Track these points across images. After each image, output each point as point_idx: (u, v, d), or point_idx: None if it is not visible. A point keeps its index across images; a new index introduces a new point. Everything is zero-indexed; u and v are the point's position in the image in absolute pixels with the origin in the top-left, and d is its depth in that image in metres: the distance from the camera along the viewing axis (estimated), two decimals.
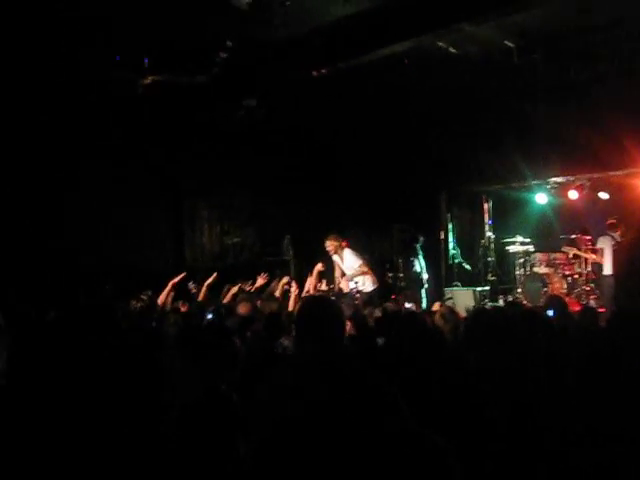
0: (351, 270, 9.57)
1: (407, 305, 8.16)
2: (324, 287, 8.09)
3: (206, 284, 8.05)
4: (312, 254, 8.79)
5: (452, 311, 5.57)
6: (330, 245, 9.70)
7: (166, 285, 7.28)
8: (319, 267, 8.04)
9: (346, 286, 9.39)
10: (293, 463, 2.34)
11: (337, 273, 9.92)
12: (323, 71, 9.38)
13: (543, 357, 2.68)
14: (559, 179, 12.12)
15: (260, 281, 8.69)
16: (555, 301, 5.21)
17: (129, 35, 8.43)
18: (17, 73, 8.53)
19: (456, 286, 12.63)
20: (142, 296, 6.59)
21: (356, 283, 9.31)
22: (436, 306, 7.13)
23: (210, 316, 5.87)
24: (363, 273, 9.59)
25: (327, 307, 2.93)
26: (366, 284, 9.52)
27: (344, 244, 9.72)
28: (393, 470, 1.67)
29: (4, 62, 8.21)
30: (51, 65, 8.65)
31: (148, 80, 9.15)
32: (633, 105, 8.92)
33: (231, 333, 3.68)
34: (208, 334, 3.70)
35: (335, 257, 9.75)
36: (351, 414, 2.27)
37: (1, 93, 8.53)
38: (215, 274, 8.24)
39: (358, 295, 8.90)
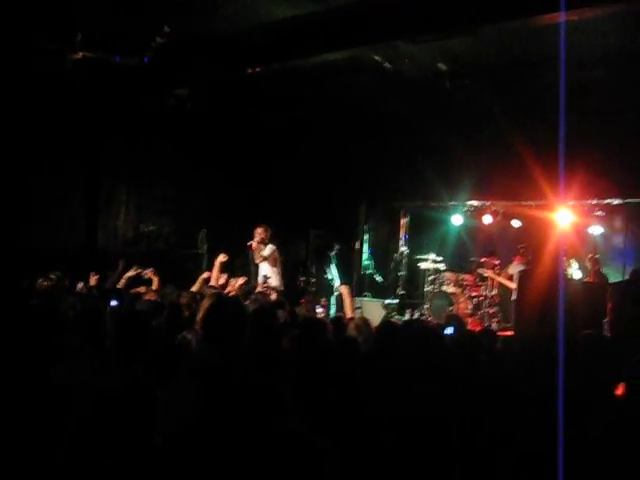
0: (265, 264, 9.61)
1: (318, 310, 8.23)
2: (222, 280, 7.98)
3: (126, 275, 7.95)
4: (226, 249, 8.75)
5: (366, 322, 5.66)
6: (261, 233, 9.67)
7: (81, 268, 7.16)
8: (221, 258, 7.96)
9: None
10: (190, 462, 2.38)
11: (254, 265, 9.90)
12: (258, 70, 9.38)
13: (433, 372, 2.80)
14: (475, 203, 12.49)
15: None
16: (454, 320, 5.38)
17: (63, 7, 8.23)
18: None
19: (366, 296, 12.84)
20: (51, 275, 6.44)
21: (268, 278, 9.33)
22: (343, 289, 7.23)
23: (114, 302, 5.79)
24: (276, 273, 9.65)
25: (231, 309, 2.98)
26: (275, 282, 9.56)
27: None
28: (277, 468, 1.75)
29: None
30: None
31: (79, 55, 8.92)
32: (544, 142, 9.31)
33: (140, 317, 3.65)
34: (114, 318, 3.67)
35: (255, 245, 9.71)
36: (240, 414, 2.31)
37: None
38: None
39: (269, 292, 8.90)
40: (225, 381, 2.51)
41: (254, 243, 9.70)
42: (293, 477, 1.77)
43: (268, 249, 9.73)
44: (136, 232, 11.90)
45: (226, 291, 7.51)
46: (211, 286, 7.46)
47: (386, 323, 4.89)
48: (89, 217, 11.21)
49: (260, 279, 9.37)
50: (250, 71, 9.42)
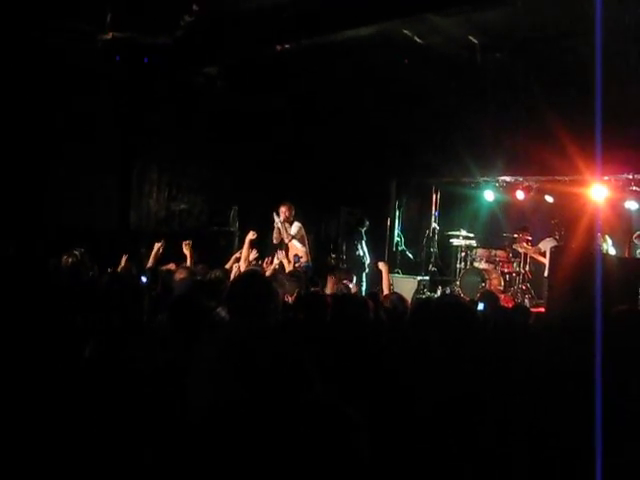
0: (295, 242, 9.59)
1: (349, 285, 8.19)
2: (253, 256, 7.98)
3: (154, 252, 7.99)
4: (258, 227, 8.76)
5: (401, 298, 5.66)
6: (286, 211, 9.64)
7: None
8: (250, 236, 7.96)
9: (285, 259, 9.36)
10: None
11: (276, 240, 9.87)
12: (287, 46, 9.33)
13: (467, 347, 2.80)
14: (507, 178, 12.36)
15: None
16: (487, 296, 5.34)
17: None
18: None
19: (397, 273, 12.80)
20: (75, 252, 6.49)
21: (300, 258, 9.31)
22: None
23: (144, 279, 5.83)
24: (305, 252, 9.64)
25: (258, 283, 2.99)
26: (304, 260, 9.55)
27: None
28: (306, 438, 1.76)
29: None
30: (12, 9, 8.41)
31: (109, 36, 8.97)
32: (579, 115, 9.15)
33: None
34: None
35: (280, 225, 9.68)
36: (268, 386, 2.33)
37: None
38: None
39: (304, 271, 8.89)
40: (251, 354, 2.53)
41: (278, 224, 9.65)
42: (323, 447, 1.78)
43: (295, 227, 9.69)
44: (168, 211, 11.98)
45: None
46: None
47: (421, 300, 4.89)
48: (122, 196, 11.32)
49: (293, 259, 9.31)
50: (279, 48, 9.39)
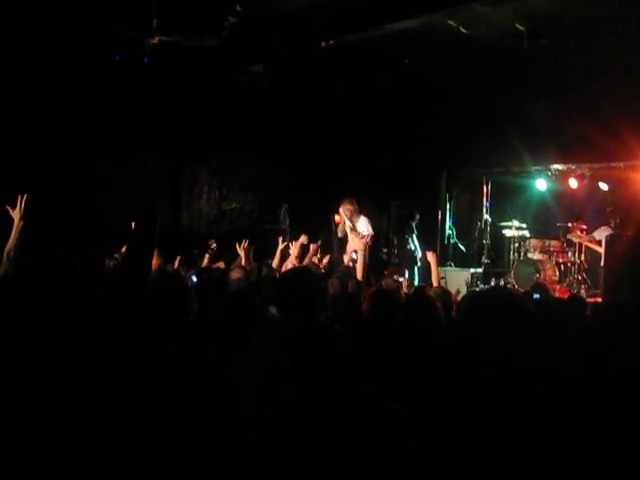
0: (358, 238, 9.56)
1: (400, 279, 8.16)
2: (312, 259, 8.01)
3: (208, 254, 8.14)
4: (308, 225, 8.81)
5: (446, 292, 5.63)
6: (347, 210, 9.64)
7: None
8: (302, 239, 7.99)
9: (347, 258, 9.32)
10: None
11: (340, 234, 9.86)
12: (331, 42, 9.33)
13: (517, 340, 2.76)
14: (560, 166, 12.15)
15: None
16: (540, 288, 5.26)
17: None
18: (29, 23, 8.48)
19: (449, 266, 12.70)
20: (115, 255, 6.59)
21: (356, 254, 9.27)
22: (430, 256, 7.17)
23: (194, 278, 5.90)
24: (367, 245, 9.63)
25: (304, 280, 3.01)
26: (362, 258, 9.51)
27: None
28: (357, 433, 1.78)
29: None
30: (59, 19, 8.60)
31: (155, 40, 9.09)
32: (634, 99, 8.93)
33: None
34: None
35: (347, 222, 9.67)
36: (321, 385, 2.34)
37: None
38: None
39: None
40: (304, 353, 2.55)
41: (339, 218, 9.67)
42: (373, 441, 1.80)
43: (363, 223, 9.65)
44: (219, 211, 12.12)
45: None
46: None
47: (470, 293, 4.84)
48: (173, 199, 11.48)
49: (352, 255, 9.24)
50: (324, 45, 9.39)
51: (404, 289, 7.01)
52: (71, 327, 2.92)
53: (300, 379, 2.45)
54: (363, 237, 9.52)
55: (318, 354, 2.48)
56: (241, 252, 8.02)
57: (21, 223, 4.71)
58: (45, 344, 2.84)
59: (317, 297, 3.03)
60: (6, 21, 8.33)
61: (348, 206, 9.68)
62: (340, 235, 9.90)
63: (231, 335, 3.50)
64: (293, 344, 2.65)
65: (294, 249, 7.92)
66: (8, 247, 4.54)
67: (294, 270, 3.83)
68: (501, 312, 2.79)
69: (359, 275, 6.31)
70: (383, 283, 6.98)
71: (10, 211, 4.83)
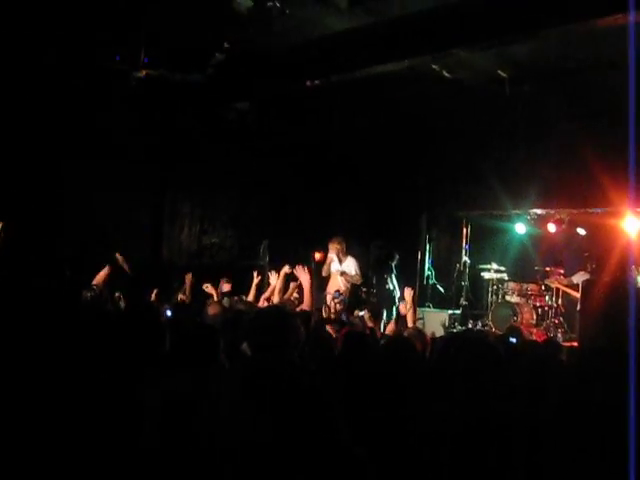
0: (340, 278, 9.59)
1: (361, 314, 8.08)
2: (294, 294, 7.98)
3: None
4: (288, 261, 8.81)
5: (420, 332, 5.64)
6: (334, 248, 9.67)
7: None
8: (285, 270, 7.97)
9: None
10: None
11: (324, 273, 9.88)
12: (317, 82, 9.45)
13: (488, 384, 2.77)
14: (539, 211, 12.28)
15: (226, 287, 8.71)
16: (515, 331, 5.29)
17: (127, 27, 8.47)
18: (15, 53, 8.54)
19: (428, 307, 12.73)
20: (93, 286, 6.56)
21: (340, 294, 9.25)
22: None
23: (169, 312, 5.87)
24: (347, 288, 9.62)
25: (277, 318, 3.02)
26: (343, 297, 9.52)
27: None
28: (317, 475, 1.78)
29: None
30: (50, 47, 8.66)
31: (142, 73, 9.16)
32: (613, 146, 9.09)
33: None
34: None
35: (334, 261, 9.70)
36: (288, 423, 2.34)
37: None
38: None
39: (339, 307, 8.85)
40: (270, 390, 2.54)
41: (320, 255, 9.70)
42: None
43: (351, 263, 9.68)
44: (199, 244, 12.09)
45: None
46: (286, 300, 7.49)
47: (447, 336, 4.85)
48: (154, 230, 11.46)
49: (334, 294, 9.24)
50: (309, 84, 9.50)
51: (367, 323, 6.96)
52: (48, 353, 2.92)
53: (266, 416, 2.44)
54: (352, 277, 9.57)
55: (285, 391, 2.48)
56: (211, 290, 8.04)
57: None
58: (24, 369, 2.83)
59: (289, 335, 3.03)
60: None
61: (336, 245, 9.74)
62: (324, 274, 9.91)
63: (195, 369, 3.47)
64: (261, 381, 2.64)
65: (277, 282, 7.88)
66: None
67: (267, 308, 3.83)
68: (472, 355, 2.80)
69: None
70: (352, 321, 6.96)
71: None
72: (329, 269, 9.80)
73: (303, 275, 6.65)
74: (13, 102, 8.94)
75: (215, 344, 3.51)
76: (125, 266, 6.88)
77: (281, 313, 3.27)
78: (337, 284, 9.66)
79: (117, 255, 6.74)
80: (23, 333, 3.31)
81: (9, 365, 3.06)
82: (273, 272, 8.18)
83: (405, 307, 6.93)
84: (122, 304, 6.82)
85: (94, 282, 6.61)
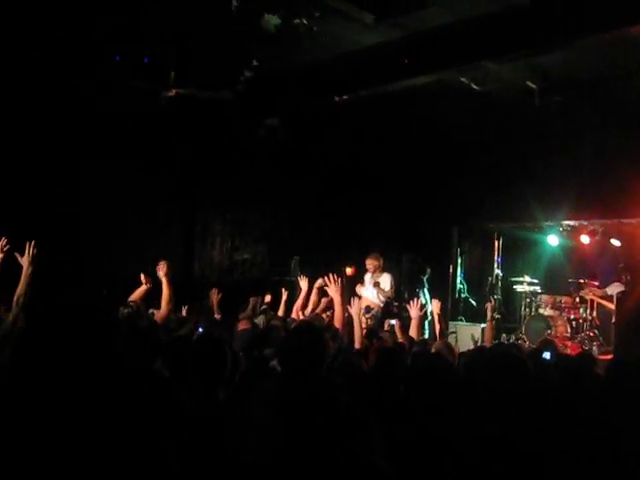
0: (374, 293, 9.56)
1: (392, 322, 8.08)
2: (322, 305, 7.97)
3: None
4: (319, 277, 8.82)
5: (449, 347, 5.60)
6: (371, 264, 9.65)
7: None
8: (319, 283, 7.96)
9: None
10: None
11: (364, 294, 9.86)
12: (345, 97, 9.48)
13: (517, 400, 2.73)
14: (572, 222, 12.14)
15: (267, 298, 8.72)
16: (548, 344, 5.22)
17: (157, 46, 8.59)
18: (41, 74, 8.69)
19: (460, 321, 12.63)
20: (130, 303, 6.61)
21: (371, 310, 9.21)
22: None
23: (201, 329, 5.90)
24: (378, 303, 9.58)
25: (311, 336, 3.02)
26: (374, 312, 9.49)
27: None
28: None
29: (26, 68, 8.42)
30: (78, 69, 8.80)
31: (172, 93, 9.28)
32: None
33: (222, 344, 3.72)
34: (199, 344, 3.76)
35: (368, 277, 9.68)
36: (315, 441, 2.33)
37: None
38: None
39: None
40: (302, 417, 2.54)
41: (351, 271, 9.64)
42: None
43: (387, 279, 9.64)
44: (231, 261, 12.15)
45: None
46: (315, 314, 7.50)
47: (474, 350, 4.80)
48: (186, 247, 11.55)
49: (364, 310, 9.20)
50: (337, 99, 9.54)
51: (398, 333, 6.94)
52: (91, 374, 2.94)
53: (301, 435, 2.44)
54: (385, 292, 9.54)
55: (313, 406, 2.48)
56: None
57: (30, 269, 4.74)
58: (67, 391, 2.85)
59: (322, 353, 3.03)
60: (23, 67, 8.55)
61: (374, 261, 9.70)
62: (359, 292, 9.87)
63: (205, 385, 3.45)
64: (289, 402, 2.64)
65: (312, 295, 7.89)
66: (17, 294, 4.56)
67: (299, 326, 3.82)
68: (500, 368, 2.76)
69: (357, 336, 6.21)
70: (381, 335, 6.95)
71: (19, 258, 4.87)
72: (381, 290, 9.73)
73: (335, 292, 6.60)
74: (46, 119, 9.10)
75: (222, 359, 3.48)
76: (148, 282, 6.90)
77: (313, 331, 3.26)
78: (368, 300, 9.62)
79: (142, 275, 6.80)
80: (62, 351, 3.34)
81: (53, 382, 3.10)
82: (303, 277, 8.16)
83: (415, 312, 6.83)
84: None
85: (131, 298, 6.66)
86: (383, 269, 9.84)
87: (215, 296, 8.39)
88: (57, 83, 8.89)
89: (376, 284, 9.74)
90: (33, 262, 4.78)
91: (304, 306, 7.87)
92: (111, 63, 8.66)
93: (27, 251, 4.84)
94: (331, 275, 6.57)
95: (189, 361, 3.43)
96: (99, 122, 9.59)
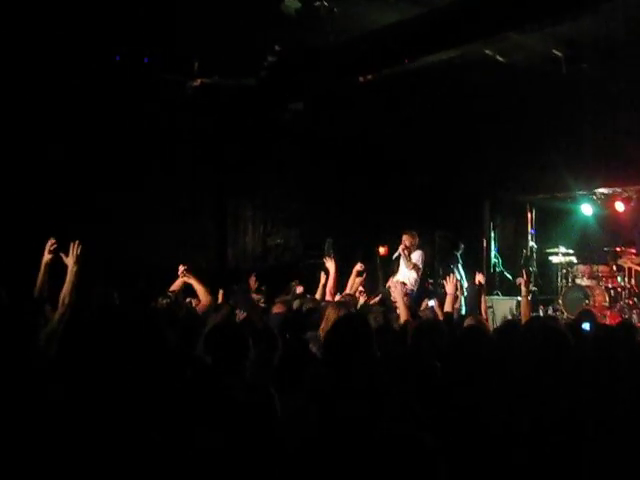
0: (408, 271, 9.55)
1: (430, 303, 8.06)
2: (361, 288, 7.96)
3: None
4: (353, 257, 8.83)
5: (480, 321, 5.60)
6: (408, 240, 9.64)
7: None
8: (358, 267, 7.96)
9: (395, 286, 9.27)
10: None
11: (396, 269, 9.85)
12: (369, 77, 9.44)
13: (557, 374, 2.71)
14: (605, 190, 11.99)
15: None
16: (587, 314, 5.18)
17: (179, 37, 8.63)
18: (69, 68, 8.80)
19: (496, 295, 12.56)
20: (169, 293, 6.67)
21: (405, 287, 9.18)
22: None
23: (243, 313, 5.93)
24: (415, 280, 9.57)
25: (355, 329, 3.05)
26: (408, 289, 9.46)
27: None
28: (388, 467, 1.80)
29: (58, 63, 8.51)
30: (102, 63, 8.89)
31: (197, 82, 9.33)
32: None
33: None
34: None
35: (401, 253, 9.67)
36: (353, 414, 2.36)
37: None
38: None
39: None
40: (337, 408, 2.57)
41: (384, 249, 9.63)
42: (403, 475, 1.81)
43: (417, 255, 9.63)
44: (264, 246, 12.22)
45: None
46: (347, 294, 7.51)
47: (506, 323, 4.79)
48: (219, 235, 11.64)
49: (405, 281, 9.16)
50: (362, 79, 9.50)
51: (437, 312, 6.95)
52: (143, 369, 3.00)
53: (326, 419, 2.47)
54: (413, 266, 9.49)
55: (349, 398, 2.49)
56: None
57: (75, 269, 4.82)
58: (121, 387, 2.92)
59: (363, 346, 3.06)
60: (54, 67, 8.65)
61: (410, 238, 9.66)
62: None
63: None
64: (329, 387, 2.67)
65: (351, 277, 7.90)
66: (63, 293, 4.64)
67: (342, 320, 3.81)
68: (536, 341, 2.76)
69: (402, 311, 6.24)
70: (420, 314, 6.96)
71: (64, 258, 4.96)
72: (410, 263, 9.70)
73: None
74: (77, 118, 9.22)
75: (243, 348, 3.51)
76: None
77: (359, 324, 3.28)
78: (402, 277, 9.59)
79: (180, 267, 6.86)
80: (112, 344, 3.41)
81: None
82: (327, 258, 8.16)
83: (451, 287, 6.81)
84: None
85: (170, 289, 6.73)
86: (416, 248, 9.79)
87: (253, 282, 8.45)
88: (89, 82, 9.00)
89: (414, 266, 9.69)
90: (78, 262, 4.86)
91: (336, 287, 7.87)
92: (139, 62, 8.73)
93: (71, 251, 4.92)
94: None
95: (230, 346, 3.47)
96: (129, 118, 9.69)
